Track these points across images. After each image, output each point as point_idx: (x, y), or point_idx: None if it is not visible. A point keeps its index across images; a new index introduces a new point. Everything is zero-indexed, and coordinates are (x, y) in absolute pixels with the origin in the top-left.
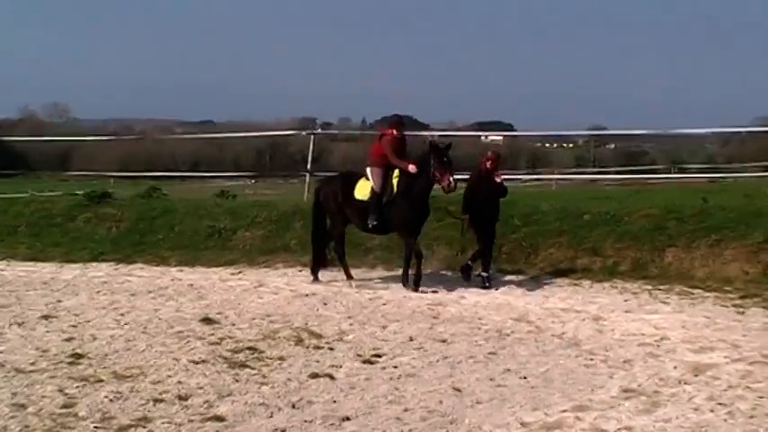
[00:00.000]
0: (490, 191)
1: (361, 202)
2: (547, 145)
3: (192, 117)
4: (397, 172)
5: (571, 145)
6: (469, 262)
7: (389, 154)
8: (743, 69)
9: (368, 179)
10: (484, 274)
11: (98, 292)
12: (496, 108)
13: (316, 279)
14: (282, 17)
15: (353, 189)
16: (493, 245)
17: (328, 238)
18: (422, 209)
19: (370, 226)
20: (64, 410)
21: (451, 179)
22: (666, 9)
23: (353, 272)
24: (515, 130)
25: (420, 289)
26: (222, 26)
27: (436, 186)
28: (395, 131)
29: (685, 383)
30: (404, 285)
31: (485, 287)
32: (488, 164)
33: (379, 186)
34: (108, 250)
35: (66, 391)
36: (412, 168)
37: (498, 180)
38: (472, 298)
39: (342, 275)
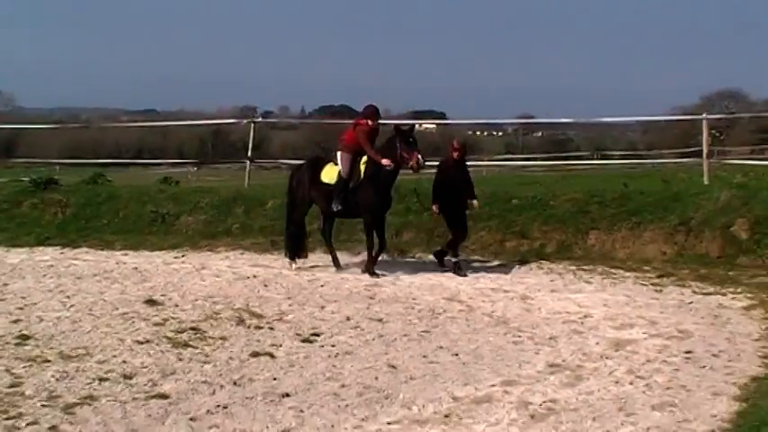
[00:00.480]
0: (460, 179)
1: (327, 185)
2: (478, 133)
3: (135, 106)
4: (365, 158)
5: (500, 133)
6: (445, 248)
7: (365, 145)
8: (663, 61)
9: (336, 164)
10: (454, 259)
11: (44, 275)
12: (428, 99)
13: (293, 261)
14: (220, 8)
15: (320, 173)
16: (466, 230)
17: (302, 225)
18: (386, 196)
19: (334, 209)
20: (11, 390)
21: (419, 156)
22: (589, 9)
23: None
24: (448, 119)
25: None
26: (163, 19)
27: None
28: (370, 122)
29: (607, 358)
30: (370, 273)
31: (459, 273)
32: (455, 154)
33: (346, 172)
34: (54, 235)
35: (14, 370)
36: (386, 163)
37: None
38: (407, 279)
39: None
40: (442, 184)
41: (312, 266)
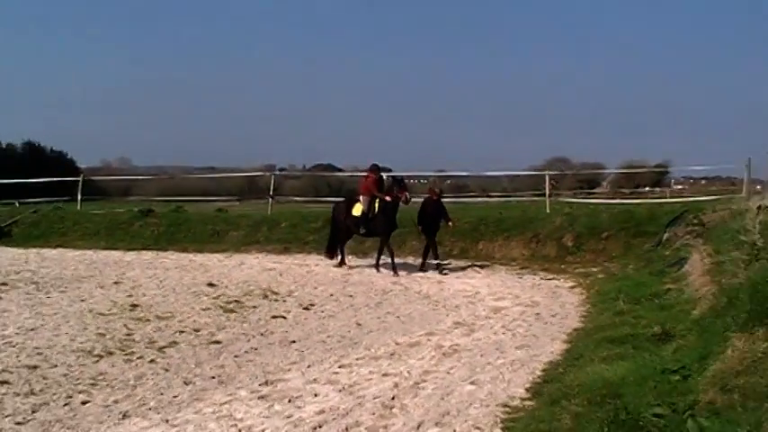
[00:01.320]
0: (435, 211)
1: (356, 217)
2: (411, 180)
3: (201, 163)
4: (378, 199)
5: (425, 180)
6: (422, 259)
7: (373, 189)
8: (524, 137)
9: (360, 203)
10: (435, 261)
11: (146, 267)
12: (377, 156)
13: (334, 261)
14: (242, 98)
15: (352, 209)
16: (435, 242)
17: (339, 240)
18: (392, 221)
19: (360, 233)
20: (127, 337)
21: (407, 194)
22: (483, 97)
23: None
24: (392, 171)
25: (396, 272)
26: (212, 104)
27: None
28: (373, 174)
29: (489, 318)
30: (376, 269)
31: (441, 272)
32: (434, 196)
33: (366, 208)
34: (152, 243)
35: (128, 326)
36: (388, 198)
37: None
38: (366, 271)
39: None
40: (424, 214)
41: (316, 264)
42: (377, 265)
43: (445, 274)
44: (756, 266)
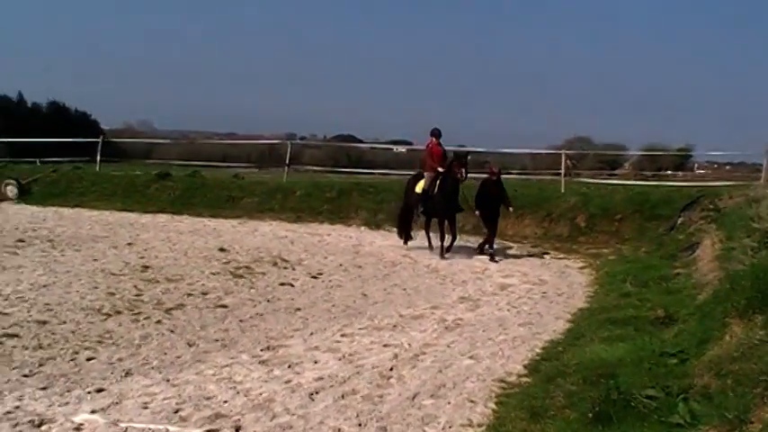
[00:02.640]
0: (496, 193)
1: (418, 194)
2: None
3: (222, 129)
4: (439, 177)
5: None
6: (483, 243)
7: (427, 158)
8: (543, 117)
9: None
10: (491, 249)
11: (160, 230)
12: (399, 130)
13: (405, 243)
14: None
15: (416, 185)
16: (496, 230)
17: (411, 216)
18: (452, 202)
19: (420, 212)
20: (136, 298)
21: (463, 171)
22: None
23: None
24: (413, 144)
25: (446, 255)
26: (237, 76)
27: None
28: (434, 139)
29: (495, 294)
30: (440, 255)
31: (493, 260)
32: (493, 176)
33: (426, 186)
34: (167, 207)
35: (138, 287)
36: (438, 169)
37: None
38: (378, 243)
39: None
40: (482, 196)
41: (329, 233)
42: (441, 251)
43: (496, 262)
44: (763, 254)
